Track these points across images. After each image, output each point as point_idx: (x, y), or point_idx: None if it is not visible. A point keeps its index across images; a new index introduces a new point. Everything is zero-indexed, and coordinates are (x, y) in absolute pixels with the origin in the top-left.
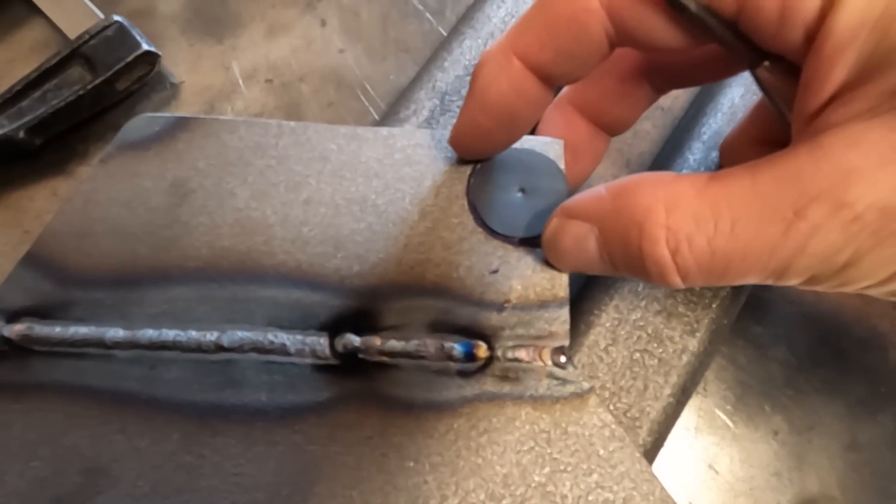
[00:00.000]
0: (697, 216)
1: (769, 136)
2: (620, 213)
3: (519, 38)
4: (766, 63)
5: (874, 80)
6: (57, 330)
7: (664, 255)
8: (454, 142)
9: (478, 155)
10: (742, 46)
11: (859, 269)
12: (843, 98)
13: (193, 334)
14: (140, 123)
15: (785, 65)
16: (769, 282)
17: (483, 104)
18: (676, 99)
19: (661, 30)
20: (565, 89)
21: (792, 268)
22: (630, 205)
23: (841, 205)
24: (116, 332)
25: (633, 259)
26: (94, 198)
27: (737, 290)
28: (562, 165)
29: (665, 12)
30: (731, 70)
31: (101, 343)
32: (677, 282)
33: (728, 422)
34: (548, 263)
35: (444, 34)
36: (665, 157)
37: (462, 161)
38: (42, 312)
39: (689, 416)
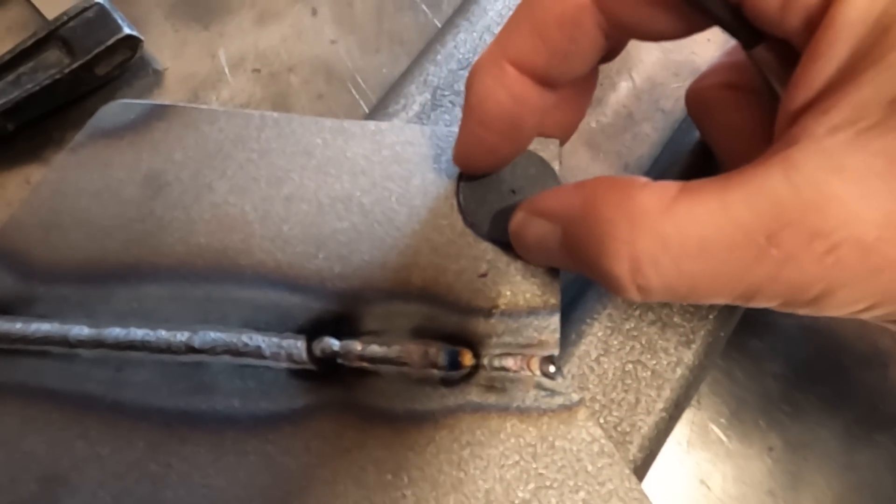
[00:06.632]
0: (663, 236)
1: (742, 82)
2: (584, 220)
3: (509, 42)
4: (763, 44)
5: (859, 83)
6: (18, 326)
7: (623, 272)
8: (459, 161)
9: (486, 170)
10: (742, 28)
11: (833, 300)
12: (824, 104)
13: (163, 334)
14: (114, 110)
15: (784, 47)
16: (737, 304)
17: (482, 118)
18: (677, 101)
19: (656, 16)
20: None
21: (762, 293)
22: (594, 214)
23: (816, 234)
24: (81, 330)
25: (593, 269)
26: (63, 188)
27: None
28: (556, 166)
29: None
30: (687, 27)
31: (64, 341)
32: (635, 298)
33: (722, 437)
34: (540, 268)
35: (440, 27)
36: (665, 160)
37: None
38: (2, 308)
39: (681, 430)
